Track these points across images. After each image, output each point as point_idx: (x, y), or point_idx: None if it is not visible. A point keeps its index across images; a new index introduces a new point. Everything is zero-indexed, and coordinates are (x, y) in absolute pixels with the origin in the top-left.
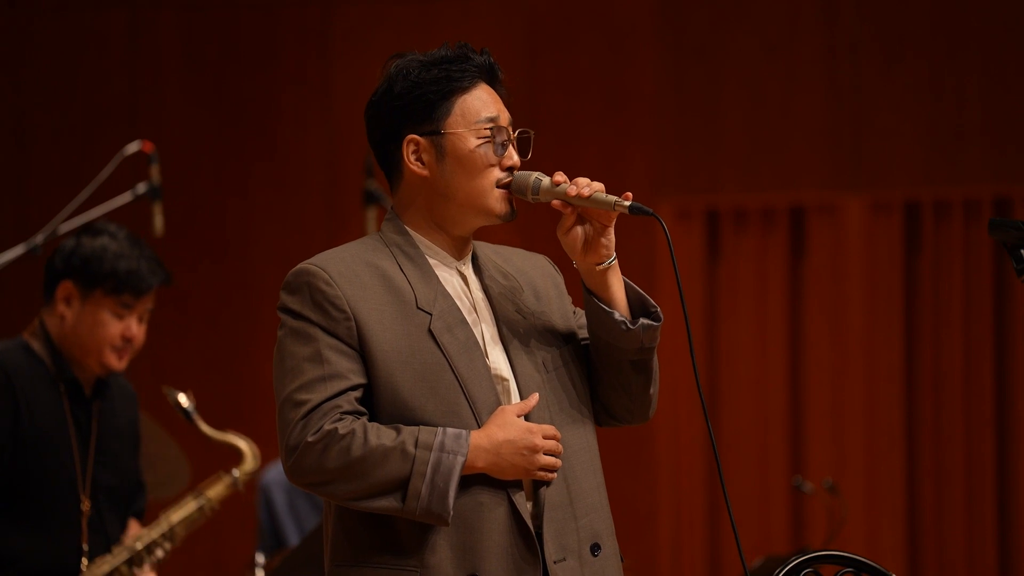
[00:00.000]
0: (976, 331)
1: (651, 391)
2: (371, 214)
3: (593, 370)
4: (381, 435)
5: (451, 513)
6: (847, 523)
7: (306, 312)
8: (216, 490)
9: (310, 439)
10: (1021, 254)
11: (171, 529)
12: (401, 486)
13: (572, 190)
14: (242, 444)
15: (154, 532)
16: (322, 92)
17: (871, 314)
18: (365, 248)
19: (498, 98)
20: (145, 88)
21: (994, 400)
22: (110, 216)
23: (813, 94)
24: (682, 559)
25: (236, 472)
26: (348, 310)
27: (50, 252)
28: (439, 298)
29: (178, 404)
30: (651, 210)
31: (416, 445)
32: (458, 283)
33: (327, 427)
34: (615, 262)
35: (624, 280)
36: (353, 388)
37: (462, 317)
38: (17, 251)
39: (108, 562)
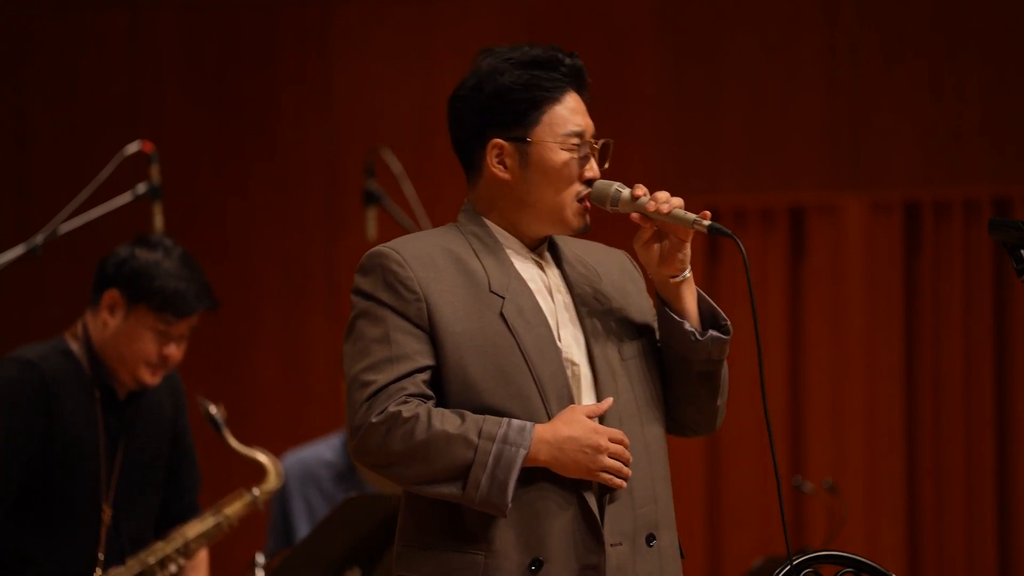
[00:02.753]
0: (976, 331)
1: (718, 403)
2: (371, 214)
3: (664, 379)
4: (445, 421)
5: (509, 505)
6: (847, 523)
7: (378, 293)
8: (235, 508)
9: (374, 420)
10: (1021, 254)
11: (186, 545)
12: (462, 474)
13: (651, 205)
14: (266, 461)
15: (168, 547)
16: (322, 92)
17: (871, 314)
18: (440, 234)
19: (584, 108)
20: (145, 88)
21: (994, 400)
22: (110, 216)
23: (813, 94)
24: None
25: (256, 491)
26: (419, 291)
27: (49, 252)
28: (513, 282)
29: (209, 415)
30: (729, 231)
31: (480, 435)
32: (535, 270)
33: (391, 409)
34: (689, 274)
35: (698, 291)
36: (420, 370)
37: (535, 301)
38: (17, 251)
39: (121, 574)
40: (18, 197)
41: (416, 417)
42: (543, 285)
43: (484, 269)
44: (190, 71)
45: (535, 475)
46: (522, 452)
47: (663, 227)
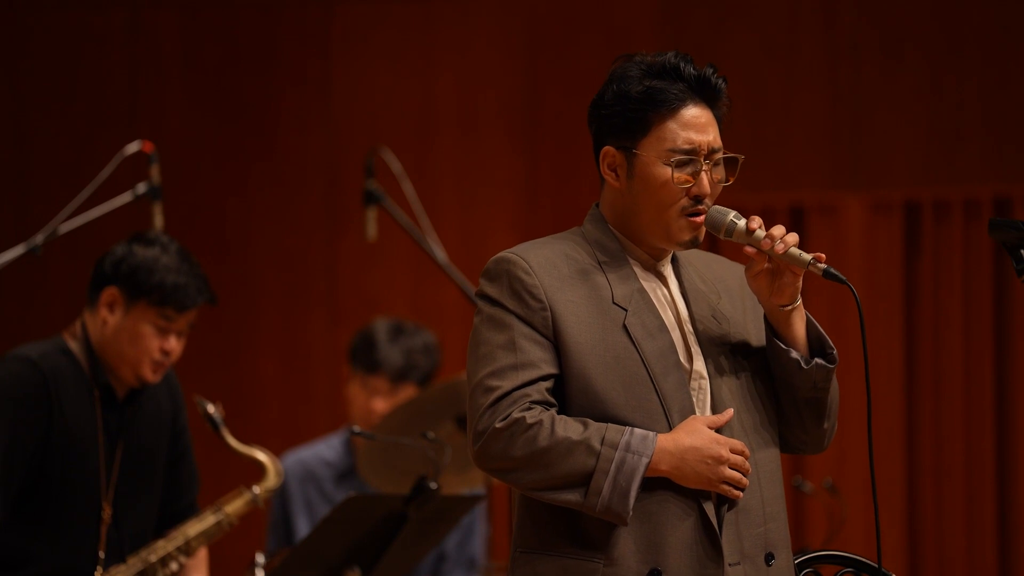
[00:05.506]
0: (976, 331)
1: (824, 426)
2: (371, 214)
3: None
4: (568, 428)
5: (630, 513)
6: (847, 523)
7: (503, 300)
8: (235, 506)
9: (498, 425)
10: (1021, 254)
11: (187, 543)
12: (584, 481)
13: (767, 243)
14: (265, 460)
15: (169, 545)
16: (322, 92)
17: (871, 314)
18: (565, 242)
19: (704, 121)
20: (145, 88)
21: (994, 400)
22: (110, 216)
23: (813, 94)
24: None
25: (257, 489)
26: (545, 300)
27: (49, 252)
28: (635, 295)
29: (207, 414)
30: (844, 278)
31: (602, 442)
32: (655, 283)
33: (515, 415)
34: (800, 302)
35: (807, 317)
36: (544, 378)
37: (657, 314)
38: (17, 251)
39: (122, 572)
40: (18, 197)
41: (539, 423)
42: (663, 299)
43: (607, 280)
44: (190, 71)
45: (655, 485)
46: (644, 460)
47: (776, 261)
